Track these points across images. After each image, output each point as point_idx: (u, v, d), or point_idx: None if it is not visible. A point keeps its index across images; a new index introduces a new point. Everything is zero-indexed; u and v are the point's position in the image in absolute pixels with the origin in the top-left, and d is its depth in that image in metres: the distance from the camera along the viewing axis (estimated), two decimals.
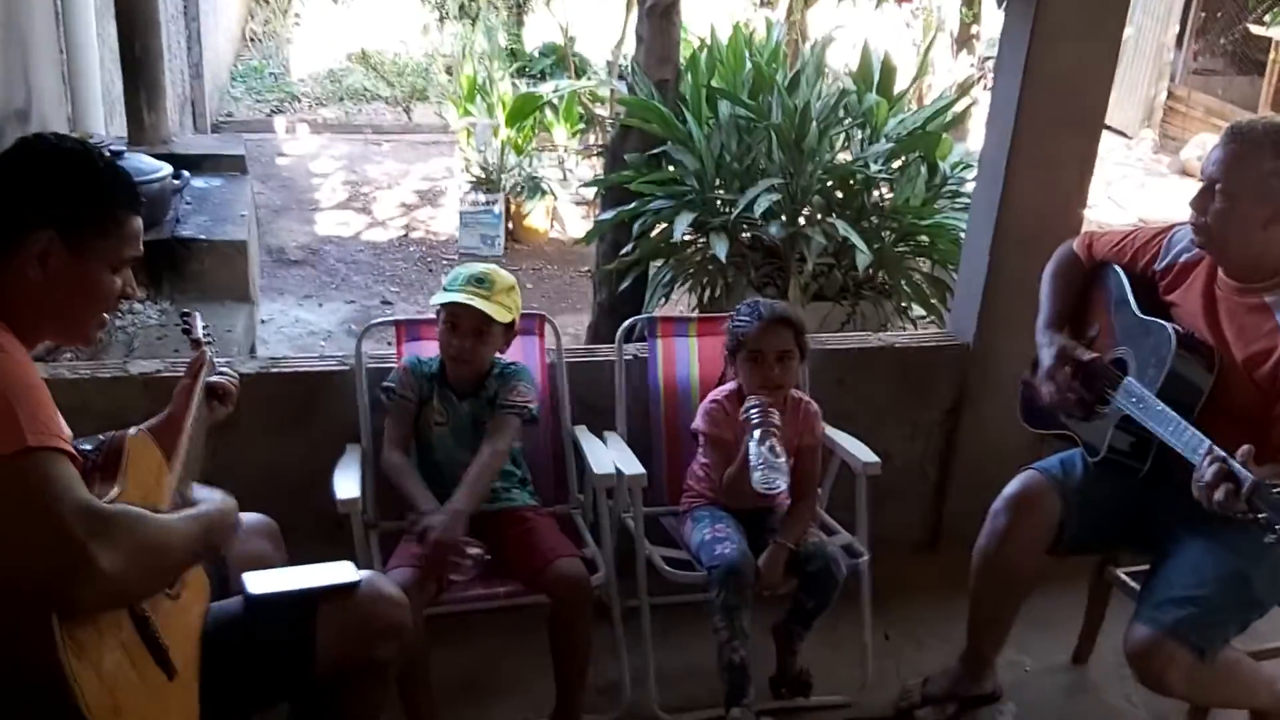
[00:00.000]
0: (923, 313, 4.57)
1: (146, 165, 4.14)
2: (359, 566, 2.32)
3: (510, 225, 7.43)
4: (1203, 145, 9.20)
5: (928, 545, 3.34)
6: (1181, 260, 2.37)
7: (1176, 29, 10.91)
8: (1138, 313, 2.37)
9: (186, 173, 4.44)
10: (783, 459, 2.27)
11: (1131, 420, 2.24)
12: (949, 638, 2.78)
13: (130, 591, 1.45)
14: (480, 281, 2.46)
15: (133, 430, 1.66)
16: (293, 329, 5.85)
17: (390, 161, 9.05)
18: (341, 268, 6.79)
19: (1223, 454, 1.90)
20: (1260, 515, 1.80)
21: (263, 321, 5.84)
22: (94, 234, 1.61)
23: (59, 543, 1.34)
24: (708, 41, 5.05)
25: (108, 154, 1.70)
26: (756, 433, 2.31)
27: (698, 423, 2.58)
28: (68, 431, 1.62)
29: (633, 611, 2.59)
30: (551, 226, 7.64)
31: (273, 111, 10.37)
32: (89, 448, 1.63)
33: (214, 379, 2.04)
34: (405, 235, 7.48)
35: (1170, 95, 11.04)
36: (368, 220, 7.68)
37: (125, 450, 1.60)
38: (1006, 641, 2.63)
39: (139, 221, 1.69)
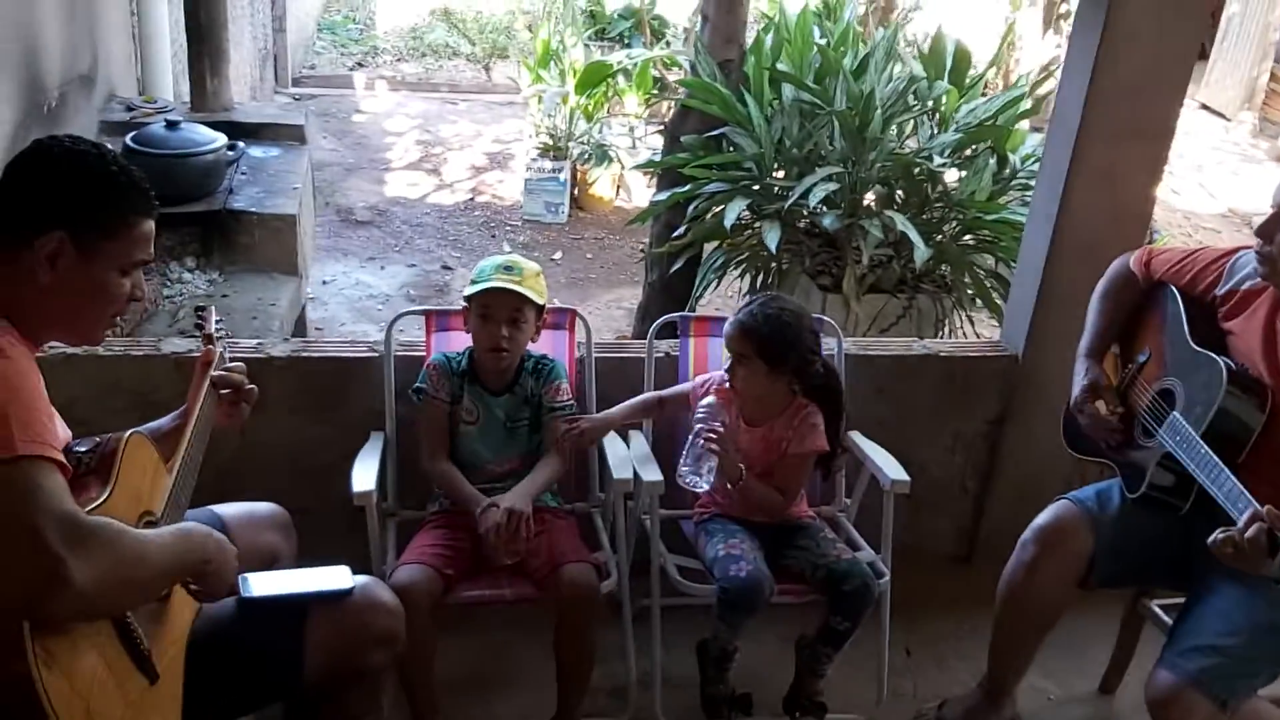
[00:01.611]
0: (984, 309, 4.43)
1: (201, 136, 4.19)
2: (373, 557, 2.38)
3: (575, 193, 7.40)
4: None
5: (963, 559, 3.26)
6: (1245, 288, 2.25)
7: None
8: (1191, 343, 2.26)
9: (241, 143, 4.48)
10: (708, 464, 2.36)
11: (1174, 457, 2.13)
12: (973, 657, 2.72)
13: (102, 606, 1.46)
14: (509, 269, 2.45)
15: (129, 432, 1.66)
16: (353, 291, 5.92)
17: (464, 121, 9.06)
18: (406, 230, 6.84)
19: (1264, 514, 1.79)
20: None
21: (324, 283, 5.92)
22: (103, 236, 1.62)
23: (36, 553, 1.35)
24: (775, 20, 4.92)
25: (122, 156, 1.70)
26: (692, 434, 2.39)
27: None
28: (65, 436, 1.65)
29: (645, 611, 2.57)
30: (617, 195, 7.59)
31: (355, 65, 10.45)
32: (84, 449, 1.64)
33: (227, 390, 1.99)
34: (472, 199, 7.50)
35: (1273, 77, 10.50)
36: (436, 182, 7.71)
37: (120, 452, 1.61)
38: (1031, 668, 2.56)
39: (150, 224, 1.69)
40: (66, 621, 1.42)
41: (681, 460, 2.41)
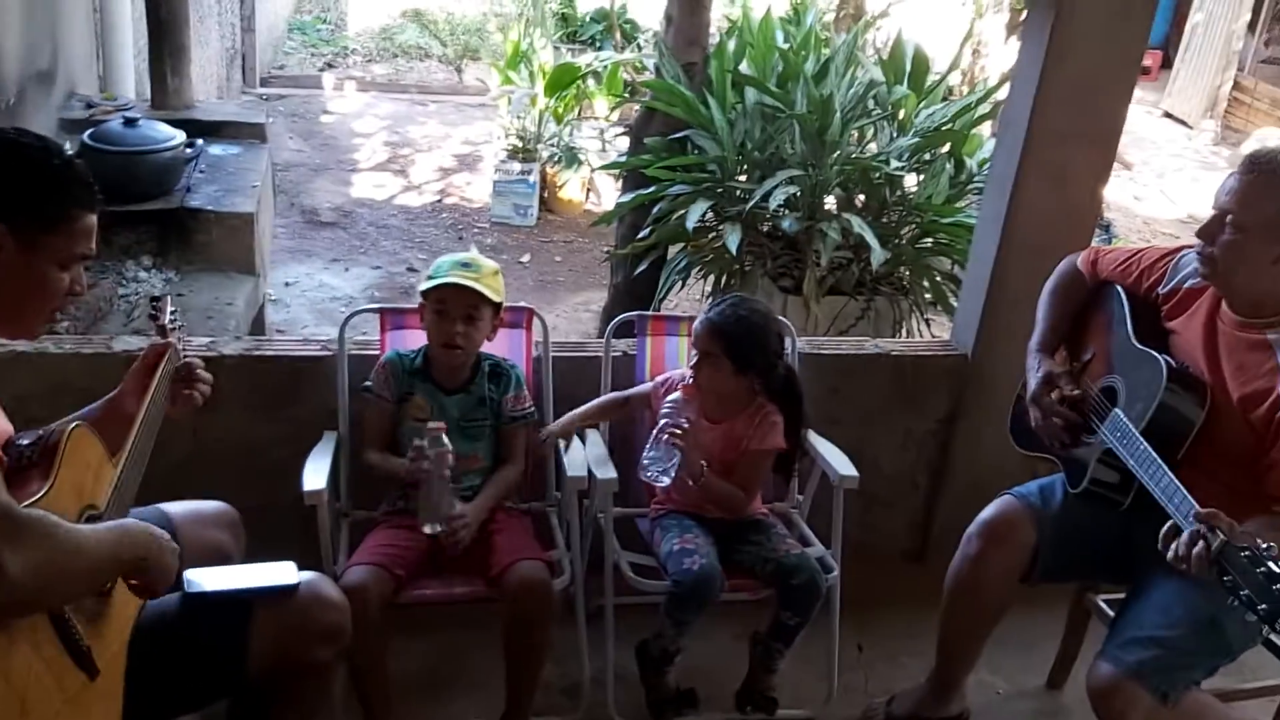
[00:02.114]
0: (943, 313, 4.48)
1: (159, 134, 4.17)
2: (323, 556, 2.39)
3: (545, 195, 7.40)
4: (1264, 140, 8.90)
5: (915, 557, 3.30)
6: (1186, 286, 2.29)
7: (1248, 16, 10.52)
8: (1134, 340, 2.30)
9: (200, 141, 4.46)
10: (673, 460, 2.37)
11: (1115, 453, 2.17)
12: (924, 654, 2.74)
13: (36, 599, 1.45)
14: (466, 266, 2.46)
15: (74, 424, 1.66)
16: (316, 293, 5.89)
17: (434, 123, 9.05)
18: (372, 231, 6.82)
19: (1202, 512, 1.83)
20: (1225, 578, 1.74)
21: (287, 284, 5.90)
22: (44, 230, 1.61)
23: None
24: (738, 23, 4.96)
25: (66, 151, 1.70)
26: (657, 429, 2.41)
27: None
28: (5, 429, 1.64)
29: (601, 610, 2.59)
30: (587, 198, 7.59)
31: (325, 66, 10.42)
32: (26, 442, 1.63)
33: (187, 389, 2.02)
34: (439, 201, 7.49)
35: (1237, 85, 10.67)
36: (403, 184, 7.69)
37: (61, 446, 1.60)
38: (980, 662, 2.60)
39: (92, 219, 1.68)
40: (1, 614, 1.41)
41: (645, 453, 2.43)
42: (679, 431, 2.38)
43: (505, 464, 2.56)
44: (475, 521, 2.40)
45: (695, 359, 2.51)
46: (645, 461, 2.41)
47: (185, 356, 2.08)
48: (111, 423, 1.87)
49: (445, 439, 2.28)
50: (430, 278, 2.47)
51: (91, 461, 1.70)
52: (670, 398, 2.47)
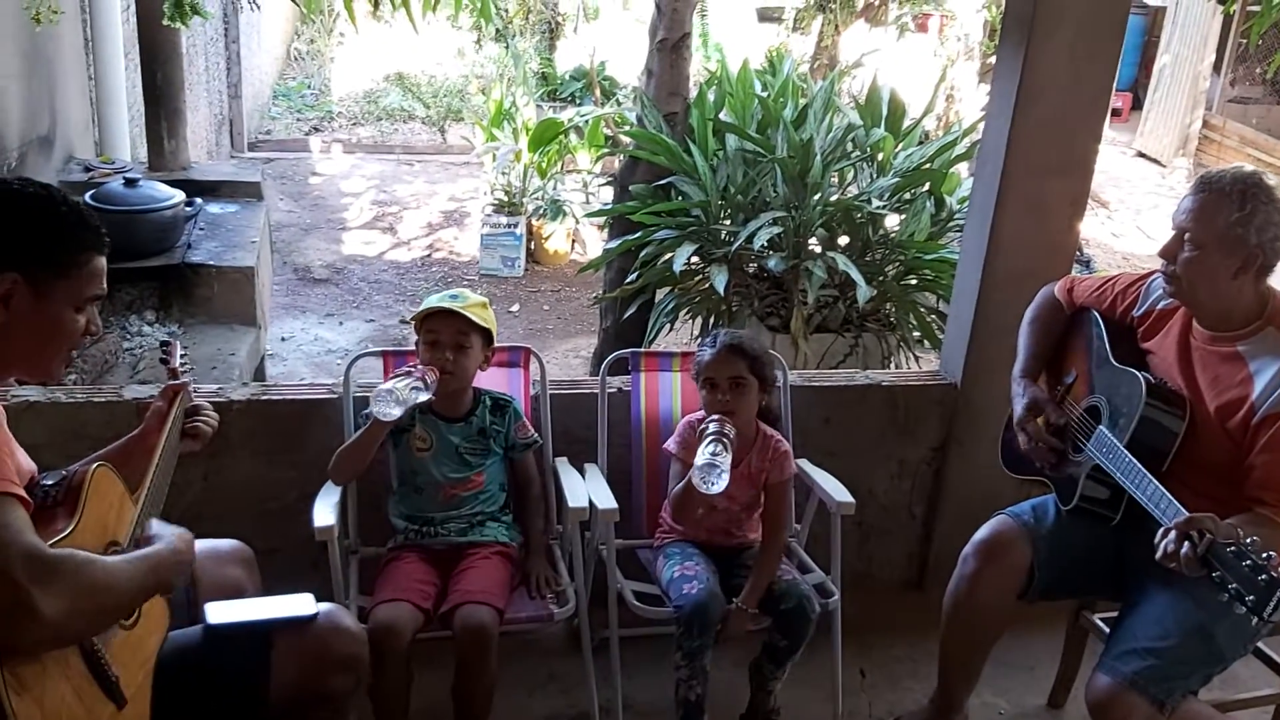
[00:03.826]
0: (931, 349, 4.57)
1: (160, 193, 4.26)
2: (335, 591, 2.43)
3: (531, 247, 7.52)
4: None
5: (914, 585, 3.35)
6: (1159, 308, 2.38)
7: (1213, 57, 10.80)
8: (1112, 361, 2.38)
9: (199, 200, 4.56)
10: (725, 464, 2.31)
11: (1104, 470, 2.24)
12: (927, 678, 2.79)
13: (71, 634, 1.50)
14: (454, 297, 2.57)
15: (96, 464, 1.72)
16: (312, 347, 5.96)
17: (420, 182, 9.19)
18: (364, 287, 6.91)
19: (1185, 512, 1.90)
20: (1214, 574, 1.80)
21: (283, 339, 5.97)
22: (56, 275, 1.66)
23: (2, 587, 1.39)
24: (717, 73, 5.10)
25: (72, 196, 1.76)
26: (708, 438, 2.39)
27: (669, 442, 2.65)
28: (28, 468, 1.69)
29: (605, 643, 2.63)
30: (573, 249, 7.72)
31: (311, 130, 10.57)
32: (51, 482, 1.68)
33: (192, 424, 2.08)
34: (429, 255, 7.60)
35: (1206, 124, 10.92)
36: (393, 240, 7.81)
37: (86, 484, 1.65)
38: (982, 683, 2.64)
39: (102, 260, 1.73)
40: (37, 650, 1.45)
41: (696, 467, 2.33)
42: (728, 442, 2.39)
43: (525, 492, 2.68)
44: (536, 569, 2.56)
45: (713, 394, 2.54)
46: (697, 474, 2.32)
47: (194, 402, 2.13)
48: (131, 460, 1.93)
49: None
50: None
51: (114, 499, 1.75)
52: (713, 416, 2.47)
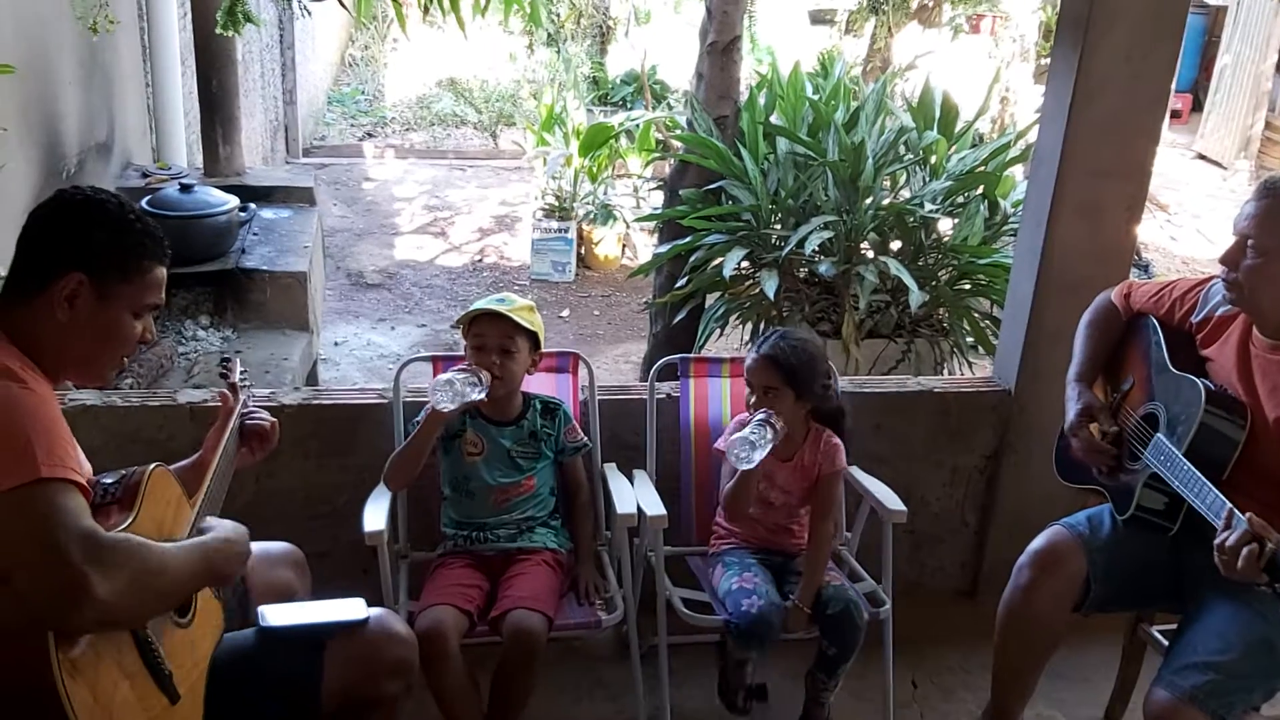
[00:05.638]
0: (985, 355, 4.50)
1: (214, 199, 4.33)
2: (385, 596, 2.45)
3: (582, 252, 7.54)
4: None
5: (967, 594, 3.30)
6: (1218, 314, 2.33)
7: (1276, 57, 10.56)
8: (1170, 367, 2.33)
9: (253, 205, 4.63)
10: (763, 444, 2.35)
11: (1161, 479, 2.20)
12: (980, 689, 2.75)
13: (125, 616, 1.53)
14: (500, 300, 2.58)
15: (154, 465, 1.75)
16: (364, 352, 6.03)
17: (471, 186, 9.26)
18: (416, 292, 6.98)
19: (1244, 519, 1.86)
20: (1278, 585, 1.76)
21: (336, 344, 6.04)
22: (120, 279, 1.72)
23: (58, 566, 1.42)
24: (768, 77, 5.08)
25: (139, 206, 1.82)
26: (755, 420, 2.42)
27: (719, 440, 2.65)
28: (86, 467, 1.73)
29: (653, 650, 2.62)
30: (623, 254, 7.73)
31: (365, 136, 10.71)
32: (110, 481, 1.72)
33: (252, 422, 2.12)
34: (480, 260, 7.65)
35: (1268, 125, 10.68)
36: (444, 245, 7.87)
37: (143, 483, 1.69)
38: (1036, 695, 2.59)
39: (163, 271, 1.80)
40: (91, 631, 1.49)
41: (728, 435, 2.41)
42: (775, 425, 2.40)
43: (574, 498, 2.69)
44: (584, 576, 2.58)
45: (754, 399, 2.54)
46: (733, 440, 2.38)
47: (254, 412, 2.17)
48: (193, 476, 1.96)
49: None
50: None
51: (171, 500, 1.78)
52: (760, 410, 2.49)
